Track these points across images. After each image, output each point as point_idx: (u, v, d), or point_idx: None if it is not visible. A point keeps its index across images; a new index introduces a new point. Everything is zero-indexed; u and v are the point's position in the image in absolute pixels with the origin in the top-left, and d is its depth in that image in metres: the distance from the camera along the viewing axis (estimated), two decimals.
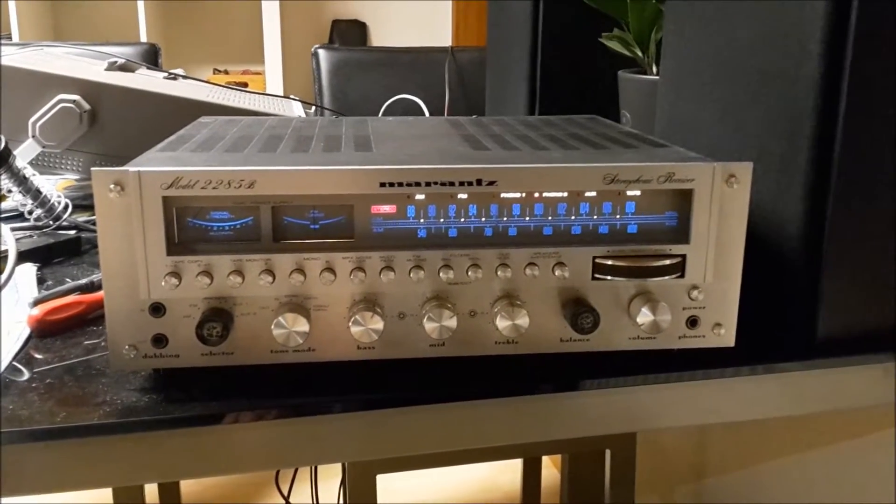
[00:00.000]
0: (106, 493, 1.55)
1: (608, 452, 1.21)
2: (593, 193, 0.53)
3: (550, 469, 1.95)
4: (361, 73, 1.97)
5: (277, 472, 1.51)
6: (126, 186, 0.49)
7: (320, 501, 1.48)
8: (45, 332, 0.60)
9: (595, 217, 0.54)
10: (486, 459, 1.42)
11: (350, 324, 0.52)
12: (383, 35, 3.78)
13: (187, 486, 1.82)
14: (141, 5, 3.22)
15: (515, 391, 0.55)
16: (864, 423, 0.97)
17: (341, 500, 1.31)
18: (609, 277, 0.54)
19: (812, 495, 1.07)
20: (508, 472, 1.96)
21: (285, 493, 1.42)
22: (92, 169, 0.48)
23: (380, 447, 0.54)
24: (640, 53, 0.90)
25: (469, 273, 0.53)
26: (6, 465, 0.48)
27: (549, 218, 0.54)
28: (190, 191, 0.49)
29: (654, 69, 0.89)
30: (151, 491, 1.62)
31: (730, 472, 1.27)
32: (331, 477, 1.61)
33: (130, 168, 0.49)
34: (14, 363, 0.55)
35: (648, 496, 1.49)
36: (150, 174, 0.49)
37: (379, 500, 1.20)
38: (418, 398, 0.54)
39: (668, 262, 0.54)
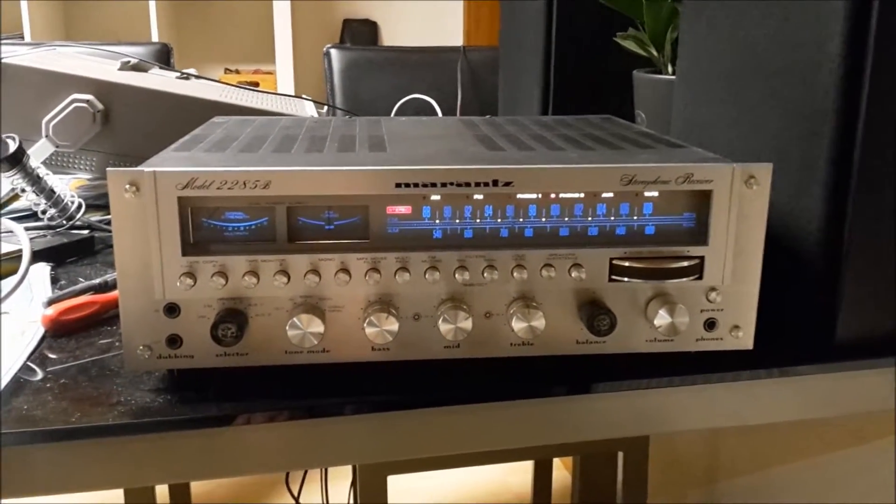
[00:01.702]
0: (117, 492, 1.55)
1: (621, 455, 1.21)
2: (610, 194, 0.53)
3: (561, 471, 1.94)
4: (373, 73, 1.97)
5: (288, 473, 1.51)
6: (141, 187, 0.48)
7: (331, 502, 1.48)
8: (59, 331, 0.60)
9: (612, 218, 0.53)
10: (497, 461, 1.42)
11: (365, 325, 0.51)
12: (394, 35, 3.77)
13: (198, 487, 1.82)
14: (152, 5, 3.23)
15: (529, 393, 0.55)
16: (879, 426, 0.96)
17: (352, 501, 1.30)
18: (626, 279, 0.53)
19: (825, 499, 1.06)
20: (519, 474, 1.95)
21: (295, 494, 1.42)
22: (107, 169, 0.48)
23: (391, 449, 0.54)
24: (655, 53, 0.90)
25: (485, 274, 0.52)
26: (19, 465, 0.48)
27: (566, 219, 0.53)
28: (205, 191, 0.49)
29: (670, 69, 0.89)
30: (162, 491, 1.63)
31: (742, 475, 1.27)
32: (341, 477, 1.61)
33: (146, 168, 0.49)
34: (28, 363, 0.55)
35: (660, 499, 1.48)
36: (165, 174, 0.49)
37: (389, 501, 1.20)
38: (432, 400, 0.53)
39: (685, 263, 0.53)
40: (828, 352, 0.58)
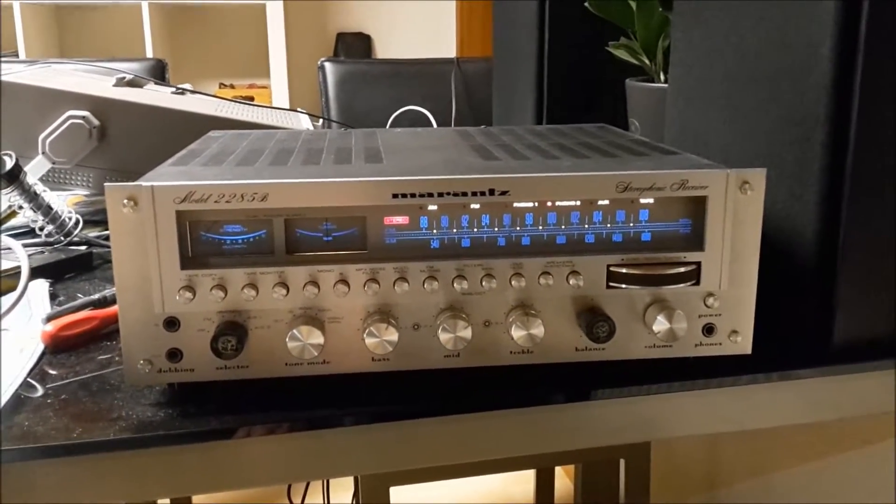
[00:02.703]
0: None
1: (622, 462, 1.21)
2: (606, 202, 0.53)
3: (563, 480, 1.94)
4: (368, 86, 1.97)
5: (290, 484, 1.50)
6: (139, 201, 0.49)
7: None
8: (58, 347, 0.60)
9: (608, 225, 0.54)
10: (499, 470, 1.42)
11: (364, 335, 0.51)
12: (388, 47, 3.79)
13: (198, 496, 1.81)
14: (147, 21, 3.24)
15: (530, 401, 0.55)
16: (878, 430, 0.96)
17: None
18: (624, 286, 0.53)
19: (826, 502, 1.06)
20: (521, 483, 1.95)
21: None
22: (105, 185, 0.48)
23: (393, 460, 0.54)
24: (647, 61, 0.90)
25: (483, 283, 0.52)
26: (21, 482, 0.48)
27: (563, 227, 0.53)
28: (203, 205, 0.49)
29: (662, 77, 0.89)
30: (163, 500, 1.62)
31: (743, 480, 1.26)
32: (344, 488, 1.61)
33: (143, 183, 0.49)
34: (28, 379, 0.55)
35: None
36: (163, 189, 0.49)
37: None
38: (433, 410, 0.53)
39: (682, 269, 0.54)
40: (825, 355, 0.58)
